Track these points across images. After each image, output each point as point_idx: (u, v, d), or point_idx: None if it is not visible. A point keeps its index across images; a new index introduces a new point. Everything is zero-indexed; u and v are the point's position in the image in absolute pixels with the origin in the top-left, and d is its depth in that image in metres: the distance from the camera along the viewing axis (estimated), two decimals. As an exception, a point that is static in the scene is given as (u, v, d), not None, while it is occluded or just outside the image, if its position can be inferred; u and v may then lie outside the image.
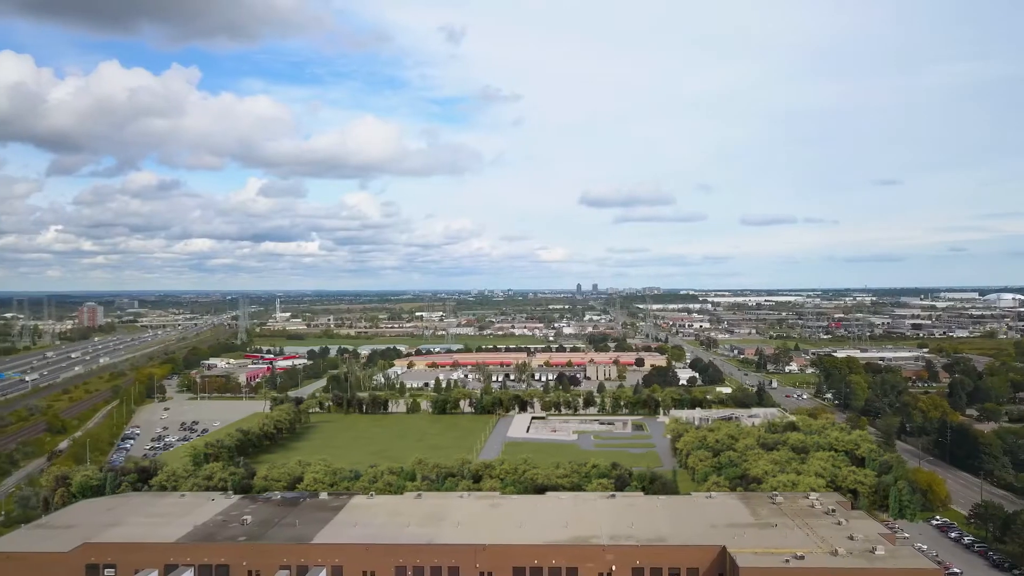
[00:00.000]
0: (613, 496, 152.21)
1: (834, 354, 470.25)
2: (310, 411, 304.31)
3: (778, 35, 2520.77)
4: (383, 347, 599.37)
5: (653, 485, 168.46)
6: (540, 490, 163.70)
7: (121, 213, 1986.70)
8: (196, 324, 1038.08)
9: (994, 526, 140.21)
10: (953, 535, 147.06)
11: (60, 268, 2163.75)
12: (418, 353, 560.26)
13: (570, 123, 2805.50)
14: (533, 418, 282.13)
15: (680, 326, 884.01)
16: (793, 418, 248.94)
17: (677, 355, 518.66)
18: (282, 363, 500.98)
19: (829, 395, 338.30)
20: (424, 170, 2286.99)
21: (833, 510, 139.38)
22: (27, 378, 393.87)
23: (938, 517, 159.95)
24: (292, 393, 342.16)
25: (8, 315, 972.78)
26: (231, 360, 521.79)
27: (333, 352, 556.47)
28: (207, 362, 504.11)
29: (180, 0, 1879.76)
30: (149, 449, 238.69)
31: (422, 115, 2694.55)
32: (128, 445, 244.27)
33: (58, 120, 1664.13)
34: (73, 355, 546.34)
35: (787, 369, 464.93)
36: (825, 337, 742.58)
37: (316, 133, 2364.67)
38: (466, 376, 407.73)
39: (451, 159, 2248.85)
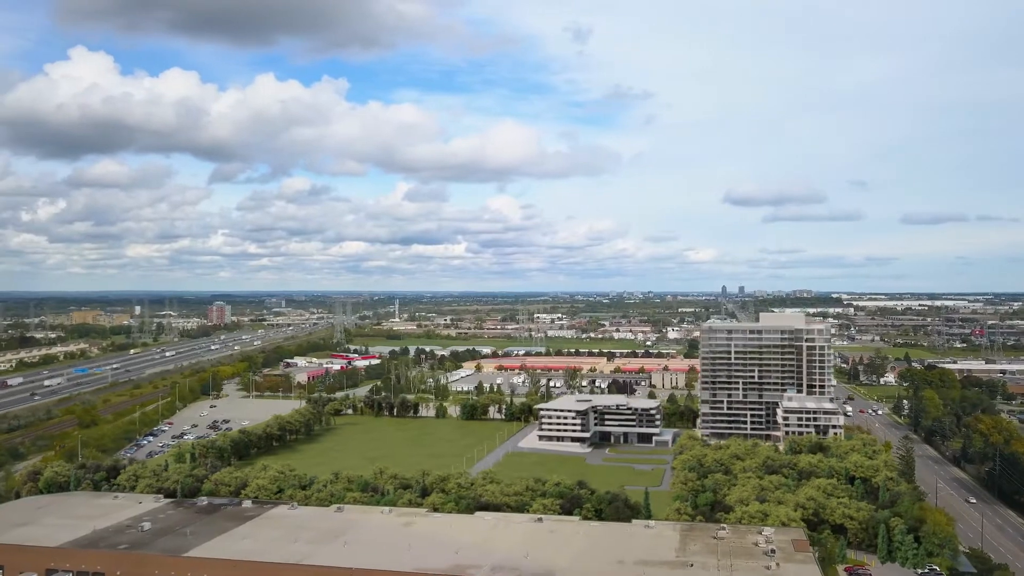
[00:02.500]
0: (540, 520, 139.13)
1: (943, 364, 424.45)
2: (343, 412, 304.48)
3: (935, 23, 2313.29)
4: (465, 348, 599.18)
5: (610, 508, 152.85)
6: (481, 508, 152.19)
7: (279, 217, 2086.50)
8: (316, 324, 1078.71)
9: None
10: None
11: (231, 270, 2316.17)
12: (494, 355, 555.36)
13: (705, 120, 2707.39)
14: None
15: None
16: (840, 413, 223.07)
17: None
18: (360, 363, 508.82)
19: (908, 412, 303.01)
20: (563, 172, 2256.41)
21: (774, 551, 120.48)
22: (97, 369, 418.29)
23: (931, 565, 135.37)
24: (341, 394, 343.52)
25: (163, 313, 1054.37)
26: (314, 359, 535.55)
27: (413, 352, 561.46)
28: (290, 361, 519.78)
29: (312, 14, 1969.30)
30: (161, 446, 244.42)
31: (563, 118, 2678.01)
32: (147, 441, 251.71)
33: (218, 131, 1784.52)
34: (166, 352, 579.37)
35: (882, 381, 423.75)
36: (959, 346, 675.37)
37: (457, 138, 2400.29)
38: (523, 381, 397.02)
39: (590, 160, 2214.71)
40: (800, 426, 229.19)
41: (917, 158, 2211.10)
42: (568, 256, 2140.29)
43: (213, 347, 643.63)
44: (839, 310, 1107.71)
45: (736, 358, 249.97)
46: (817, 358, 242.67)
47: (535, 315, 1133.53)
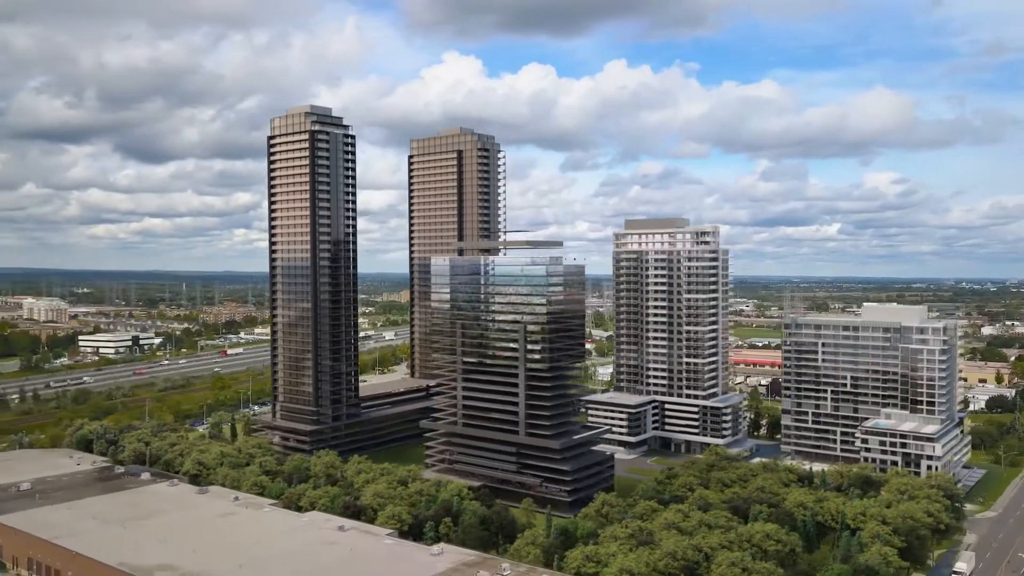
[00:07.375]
0: (342, 528, 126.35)
1: None
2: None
3: None
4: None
5: (469, 525, 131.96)
6: (349, 507, 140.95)
7: (636, 202, 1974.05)
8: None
9: None
10: None
11: (600, 255, 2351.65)
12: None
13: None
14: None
15: None
16: (936, 440, 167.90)
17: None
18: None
19: None
20: (943, 140, 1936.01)
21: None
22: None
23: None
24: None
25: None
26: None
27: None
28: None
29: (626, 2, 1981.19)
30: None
31: (943, 83, 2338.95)
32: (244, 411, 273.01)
33: (565, 121, 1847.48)
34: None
35: None
36: None
37: (810, 110, 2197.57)
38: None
39: (982, 126, 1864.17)
40: (884, 452, 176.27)
41: None
42: (964, 237, 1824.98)
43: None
44: None
45: (825, 360, 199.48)
46: (926, 366, 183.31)
47: (861, 303, 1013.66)
